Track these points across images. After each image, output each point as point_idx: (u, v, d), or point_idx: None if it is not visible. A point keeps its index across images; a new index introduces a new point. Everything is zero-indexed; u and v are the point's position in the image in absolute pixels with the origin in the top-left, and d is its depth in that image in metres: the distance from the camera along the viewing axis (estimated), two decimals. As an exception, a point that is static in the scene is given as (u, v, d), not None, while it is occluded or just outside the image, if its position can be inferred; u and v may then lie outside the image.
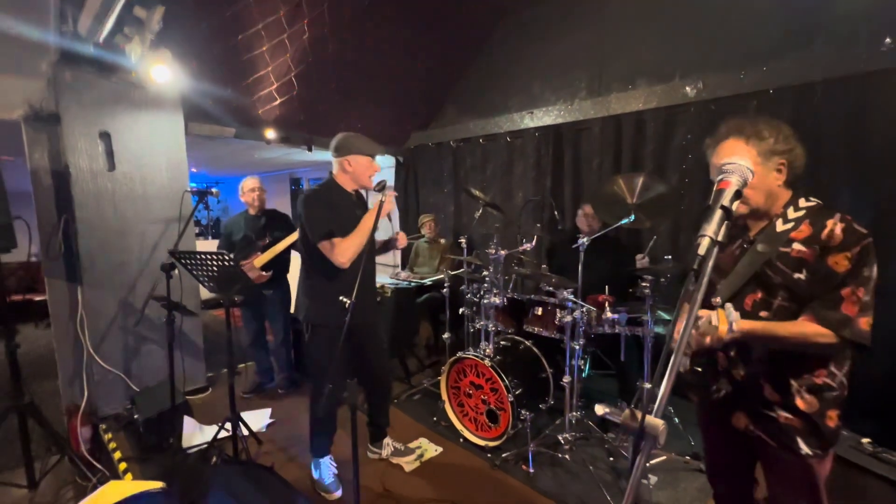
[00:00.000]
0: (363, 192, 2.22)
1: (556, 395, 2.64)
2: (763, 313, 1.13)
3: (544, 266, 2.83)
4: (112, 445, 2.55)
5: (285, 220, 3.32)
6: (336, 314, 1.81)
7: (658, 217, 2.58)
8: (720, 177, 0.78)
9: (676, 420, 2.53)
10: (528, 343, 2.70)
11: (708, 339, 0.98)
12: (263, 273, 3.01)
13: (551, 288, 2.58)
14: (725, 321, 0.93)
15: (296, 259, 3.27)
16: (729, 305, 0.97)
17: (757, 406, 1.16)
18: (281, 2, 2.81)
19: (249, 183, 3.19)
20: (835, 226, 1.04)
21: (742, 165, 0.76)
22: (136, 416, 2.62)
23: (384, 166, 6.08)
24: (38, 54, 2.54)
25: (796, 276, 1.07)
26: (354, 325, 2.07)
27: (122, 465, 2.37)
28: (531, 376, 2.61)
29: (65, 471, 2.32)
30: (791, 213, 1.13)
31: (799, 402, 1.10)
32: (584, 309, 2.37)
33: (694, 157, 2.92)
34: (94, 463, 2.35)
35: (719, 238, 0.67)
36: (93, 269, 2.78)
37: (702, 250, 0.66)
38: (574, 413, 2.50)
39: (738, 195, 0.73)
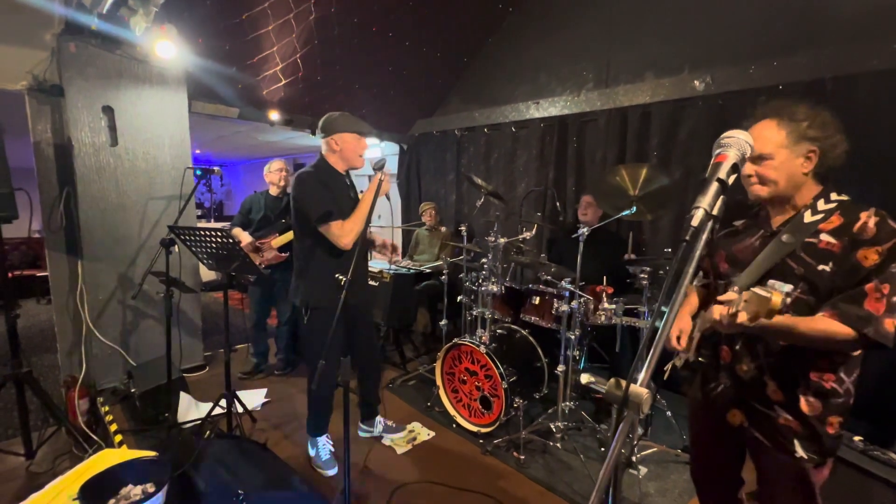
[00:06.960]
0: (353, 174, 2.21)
1: (551, 385, 2.66)
2: None
3: (543, 255, 2.82)
4: (109, 418, 2.58)
5: None
6: (332, 294, 1.81)
7: (659, 210, 2.57)
8: (717, 150, 0.76)
9: (669, 413, 2.54)
10: (524, 332, 2.71)
11: (756, 315, 0.83)
12: (280, 254, 3.03)
13: (550, 277, 2.58)
14: (779, 293, 0.79)
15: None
16: (773, 282, 0.90)
17: (756, 404, 1.12)
18: (288, -20, 2.78)
19: (276, 164, 3.22)
20: (868, 219, 1.00)
21: (741, 139, 0.74)
22: (132, 390, 2.64)
23: (389, 153, 6.05)
24: (41, 24, 2.53)
25: (820, 267, 1.02)
26: (349, 304, 2.09)
27: (118, 437, 2.39)
28: (526, 365, 2.62)
29: (62, 441, 2.35)
30: (821, 205, 1.07)
31: (803, 405, 1.06)
32: (582, 299, 2.37)
33: (699, 150, 2.89)
34: (91, 434, 2.37)
35: (714, 212, 0.66)
36: (93, 242, 2.79)
37: (695, 221, 0.64)
38: (567, 403, 2.50)
39: (734, 169, 0.72)
